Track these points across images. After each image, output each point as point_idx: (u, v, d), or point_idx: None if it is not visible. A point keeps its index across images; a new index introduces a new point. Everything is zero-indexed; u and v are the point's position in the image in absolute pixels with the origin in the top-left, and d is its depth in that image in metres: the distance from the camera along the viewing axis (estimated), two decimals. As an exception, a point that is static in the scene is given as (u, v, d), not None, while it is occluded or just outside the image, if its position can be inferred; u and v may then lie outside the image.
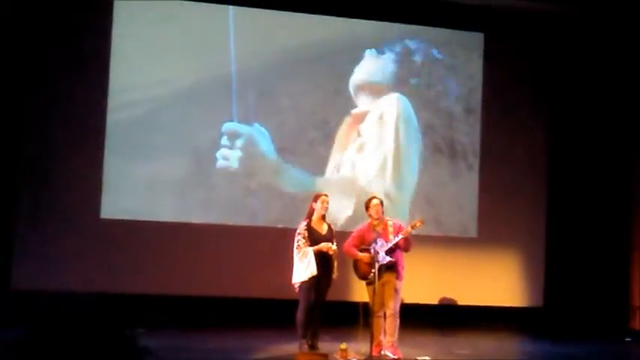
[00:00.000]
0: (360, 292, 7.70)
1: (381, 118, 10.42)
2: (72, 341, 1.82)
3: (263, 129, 10.04)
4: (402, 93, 10.47)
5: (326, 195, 7.52)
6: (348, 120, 10.32)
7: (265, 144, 10.04)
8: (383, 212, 7.56)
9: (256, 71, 10.07)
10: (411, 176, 10.44)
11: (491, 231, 10.57)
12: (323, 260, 7.28)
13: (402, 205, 10.26)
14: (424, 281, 9.84)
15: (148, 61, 9.84)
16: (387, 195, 10.02)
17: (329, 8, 10.24)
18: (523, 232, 10.68)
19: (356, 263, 7.49)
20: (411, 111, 10.49)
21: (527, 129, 10.80)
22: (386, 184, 10.30)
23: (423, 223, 7.55)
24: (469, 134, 10.66)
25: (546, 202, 10.77)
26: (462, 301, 10.37)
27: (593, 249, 10.50)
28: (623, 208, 10.48)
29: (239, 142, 9.98)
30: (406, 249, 7.51)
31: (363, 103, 10.38)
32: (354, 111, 10.33)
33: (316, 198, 7.50)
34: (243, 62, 10.01)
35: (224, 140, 9.92)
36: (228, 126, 9.93)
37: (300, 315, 7.28)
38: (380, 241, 7.35)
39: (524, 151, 10.76)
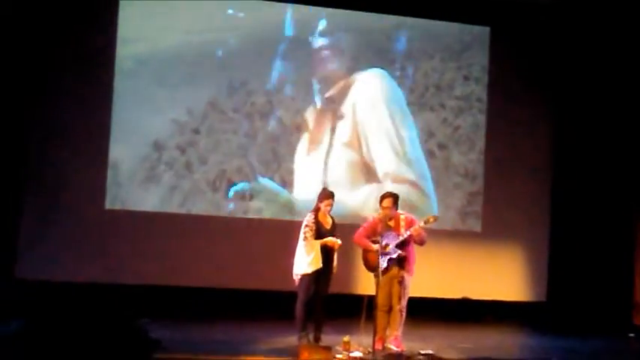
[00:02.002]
0: (364, 285, 7.70)
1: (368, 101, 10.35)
2: (81, 332, 1.83)
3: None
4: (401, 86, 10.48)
5: (331, 197, 7.44)
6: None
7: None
8: (397, 208, 7.55)
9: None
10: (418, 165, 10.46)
11: (495, 226, 10.56)
12: (325, 254, 7.27)
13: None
14: (428, 275, 9.79)
15: (153, 56, 9.84)
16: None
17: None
18: (527, 226, 10.67)
19: (365, 255, 7.49)
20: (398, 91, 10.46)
21: (532, 124, 10.76)
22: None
23: (436, 219, 7.58)
24: (474, 129, 10.63)
25: (550, 197, 10.75)
26: (465, 295, 10.37)
27: (596, 244, 10.49)
28: (627, 203, 10.46)
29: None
30: (420, 243, 7.53)
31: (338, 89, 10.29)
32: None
33: (322, 199, 7.45)
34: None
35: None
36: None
37: (299, 307, 7.28)
38: (391, 235, 7.36)
39: (530, 145, 10.73)
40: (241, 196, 9.92)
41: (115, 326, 1.83)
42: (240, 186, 9.93)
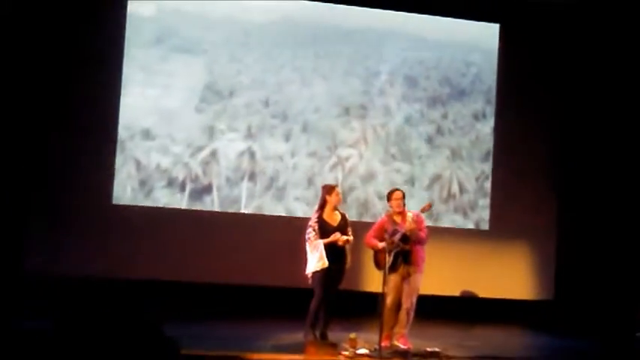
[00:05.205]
0: (371, 283, 7.71)
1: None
2: (102, 330, 1.84)
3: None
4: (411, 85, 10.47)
5: (337, 187, 7.54)
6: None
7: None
8: (404, 205, 7.56)
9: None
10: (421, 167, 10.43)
11: (502, 224, 10.53)
12: (335, 251, 7.28)
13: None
14: (435, 273, 9.72)
15: (160, 55, 9.87)
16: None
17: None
18: (534, 225, 10.62)
19: (376, 255, 7.50)
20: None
21: (541, 122, 10.72)
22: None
23: (431, 205, 7.63)
24: (483, 127, 10.60)
25: (557, 196, 10.72)
26: (472, 293, 10.35)
27: (604, 242, 10.45)
28: (635, 201, 10.42)
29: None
30: (417, 241, 7.48)
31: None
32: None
33: (330, 190, 7.46)
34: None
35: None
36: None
37: (314, 304, 7.33)
38: (396, 230, 7.38)
39: (538, 144, 10.69)
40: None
41: (136, 325, 1.83)
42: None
